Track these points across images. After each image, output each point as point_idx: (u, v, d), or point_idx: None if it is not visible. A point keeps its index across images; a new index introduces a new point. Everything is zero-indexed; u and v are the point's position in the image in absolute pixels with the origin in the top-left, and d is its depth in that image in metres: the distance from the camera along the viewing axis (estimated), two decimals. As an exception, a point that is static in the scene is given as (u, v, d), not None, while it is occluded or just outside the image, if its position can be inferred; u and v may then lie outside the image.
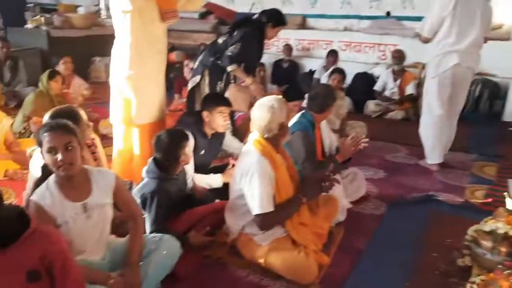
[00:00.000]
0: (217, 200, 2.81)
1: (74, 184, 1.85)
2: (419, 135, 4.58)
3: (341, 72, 4.65)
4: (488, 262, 2.16)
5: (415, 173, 3.87)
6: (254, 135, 2.35)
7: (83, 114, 2.45)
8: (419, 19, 6.51)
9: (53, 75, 4.17)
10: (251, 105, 3.41)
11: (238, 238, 2.40)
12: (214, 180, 2.93)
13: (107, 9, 10.39)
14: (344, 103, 4.71)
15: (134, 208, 2.11)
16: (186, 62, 5.24)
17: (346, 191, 3.13)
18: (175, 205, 2.43)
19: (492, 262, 2.13)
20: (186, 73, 5.13)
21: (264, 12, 3.75)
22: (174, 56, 6.99)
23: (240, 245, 2.41)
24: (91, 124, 2.71)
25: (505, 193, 2.55)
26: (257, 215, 2.22)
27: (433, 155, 3.89)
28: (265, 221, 2.24)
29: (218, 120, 2.85)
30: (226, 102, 2.91)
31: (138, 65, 2.81)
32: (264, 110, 2.26)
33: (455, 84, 3.66)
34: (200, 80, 3.73)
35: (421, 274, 2.35)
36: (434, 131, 3.83)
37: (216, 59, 3.68)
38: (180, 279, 2.20)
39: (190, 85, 3.84)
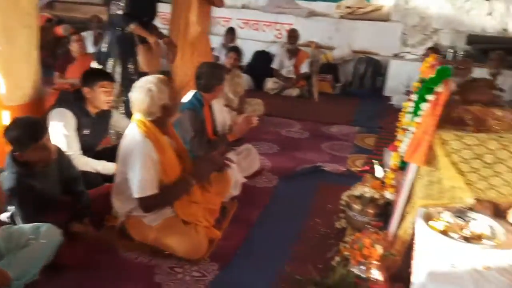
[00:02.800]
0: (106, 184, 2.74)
1: None
2: (311, 112, 4.89)
3: (236, 51, 4.71)
4: (358, 223, 2.42)
5: (306, 146, 4.13)
6: (137, 115, 2.30)
7: None
8: (312, -1, 6.91)
9: None
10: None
11: (127, 221, 2.37)
12: (105, 167, 2.80)
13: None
14: (241, 81, 4.80)
15: None
16: (73, 37, 4.84)
17: (240, 166, 3.24)
18: (51, 195, 2.29)
19: (361, 222, 2.40)
20: (74, 48, 4.77)
21: None
22: (61, 30, 6.47)
23: (129, 227, 2.37)
24: None
25: (374, 161, 2.84)
26: (138, 198, 2.20)
27: None
28: (147, 204, 2.22)
29: (100, 97, 2.72)
30: (108, 77, 2.78)
31: (5, 40, 2.56)
32: (142, 93, 2.20)
33: None
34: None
35: (304, 238, 2.56)
36: None
37: (122, 31, 3.43)
38: (62, 268, 2.13)
39: (108, 71, 3.49)
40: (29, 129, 2.14)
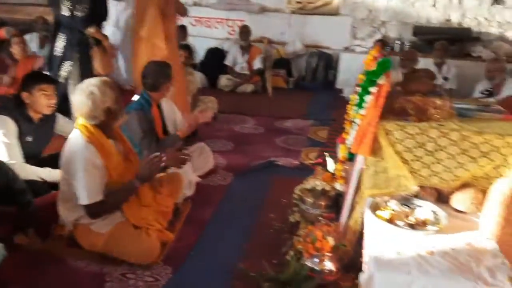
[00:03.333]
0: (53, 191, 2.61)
1: None
2: (265, 107, 4.91)
3: (187, 48, 4.64)
4: (311, 216, 2.44)
5: (260, 141, 4.14)
6: (80, 120, 2.20)
7: None
8: (261, -5, 6.91)
9: None
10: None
11: (76, 229, 2.27)
12: (50, 175, 2.66)
13: None
14: (193, 79, 4.73)
15: None
16: (14, 39, 4.59)
17: (193, 166, 3.19)
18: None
19: (314, 215, 2.42)
20: (16, 51, 4.53)
21: None
22: (3, 32, 6.14)
23: (78, 235, 2.27)
24: None
25: (326, 153, 2.87)
26: (84, 205, 2.12)
27: None
28: (93, 210, 2.15)
29: (40, 100, 2.58)
30: (48, 79, 2.65)
31: None
32: (83, 96, 2.10)
33: None
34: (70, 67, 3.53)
35: (259, 234, 2.55)
36: None
37: (80, 33, 3.49)
38: (7, 283, 2.00)
39: (63, 75, 3.52)
40: None
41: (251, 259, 2.28)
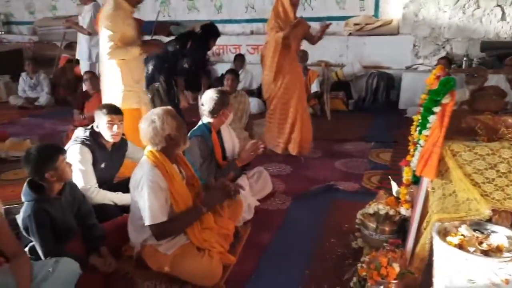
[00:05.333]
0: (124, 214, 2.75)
1: None
2: (324, 130, 4.86)
3: (233, 73, 4.80)
4: (375, 242, 2.36)
5: (319, 165, 4.08)
6: (148, 146, 2.34)
7: None
8: (319, 19, 6.96)
9: None
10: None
11: (143, 250, 2.37)
12: (121, 199, 2.82)
13: (3, 24, 9.73)
14: (245, 100, 4.80)
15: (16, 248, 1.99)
16: (84, 76, 4.99)
17: (252, 190, 3.23)
18: (67, 226, 2.32)
19: (378, 241, 2.33)
20: (87, 87, 4.92)
21: (206, 27, 4.63)
22: (80, 69, 6.71)
23: (145, 256, 2.37)
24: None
25: (389, 176, 2.78)
26: (150, 226, 2.22)
27: None
28: (159, 231, 2.23)
29: (104, 130, 2.76)
30: (113, 111, 2.79)
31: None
32: (146, 124, 2.26)
33: None
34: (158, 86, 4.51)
35: (320, 260, 2.50)
36: None
37: (170, 65, 4.45)
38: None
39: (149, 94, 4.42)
40: (46, 150, 2.23)
41: (313, 285, 2.24)
